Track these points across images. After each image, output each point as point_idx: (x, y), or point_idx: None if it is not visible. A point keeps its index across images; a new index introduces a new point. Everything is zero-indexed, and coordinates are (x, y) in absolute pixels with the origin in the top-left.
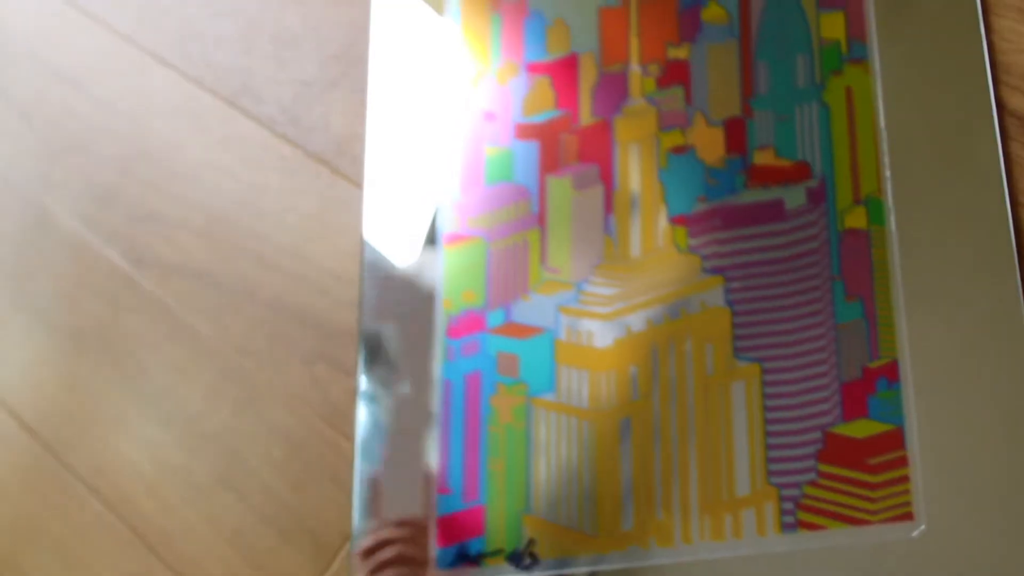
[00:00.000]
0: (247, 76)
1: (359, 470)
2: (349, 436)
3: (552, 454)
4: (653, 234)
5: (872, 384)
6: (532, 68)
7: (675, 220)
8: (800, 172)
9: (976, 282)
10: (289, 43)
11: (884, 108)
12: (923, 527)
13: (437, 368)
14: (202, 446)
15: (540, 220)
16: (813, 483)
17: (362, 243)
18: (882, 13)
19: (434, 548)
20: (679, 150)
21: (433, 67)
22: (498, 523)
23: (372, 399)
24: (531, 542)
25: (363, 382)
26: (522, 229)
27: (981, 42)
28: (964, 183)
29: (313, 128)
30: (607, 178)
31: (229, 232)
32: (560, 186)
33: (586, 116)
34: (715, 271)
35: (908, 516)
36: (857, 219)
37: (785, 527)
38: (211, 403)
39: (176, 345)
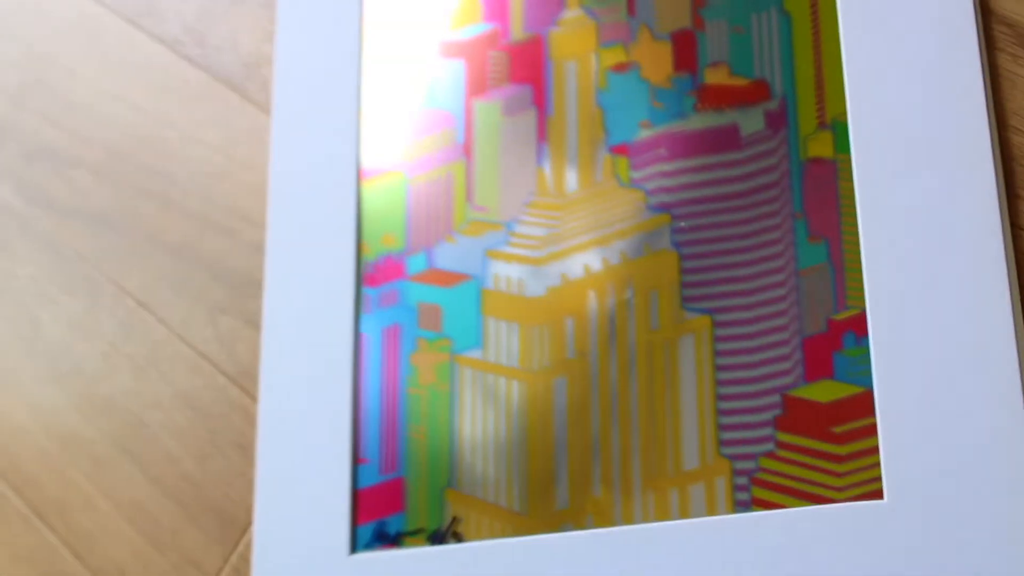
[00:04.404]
0: None
1: (264, 437)
2: (256, 398)
3: (478, 420)
4: (591, 166)
5: (838, 339)
6: None
7: (616, 149)
8: (757, 92)
9: (955, 217)
10: None
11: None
12: (894, 506)
13: (352, 321)
14: (100, 412)
15: (466, 151)
16: (771, 455)
17: (270, 179)
18: None
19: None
20: (620, 68)
21: None
22: (419, 499)
23: (280, 356)
24: (455, 521)
25: (270, 337)
26: (446, 161)
27: None
28: (941, 101)
29: (220, 49)
30: (540, 102)
31: (130, 170)
32: (488, 111)
33: (517, 31)
34: (661, 208)
35: (878, 494)
36: (822, 146)
37: (738, 505)
38: (110, 363)
39: (73, 298)
